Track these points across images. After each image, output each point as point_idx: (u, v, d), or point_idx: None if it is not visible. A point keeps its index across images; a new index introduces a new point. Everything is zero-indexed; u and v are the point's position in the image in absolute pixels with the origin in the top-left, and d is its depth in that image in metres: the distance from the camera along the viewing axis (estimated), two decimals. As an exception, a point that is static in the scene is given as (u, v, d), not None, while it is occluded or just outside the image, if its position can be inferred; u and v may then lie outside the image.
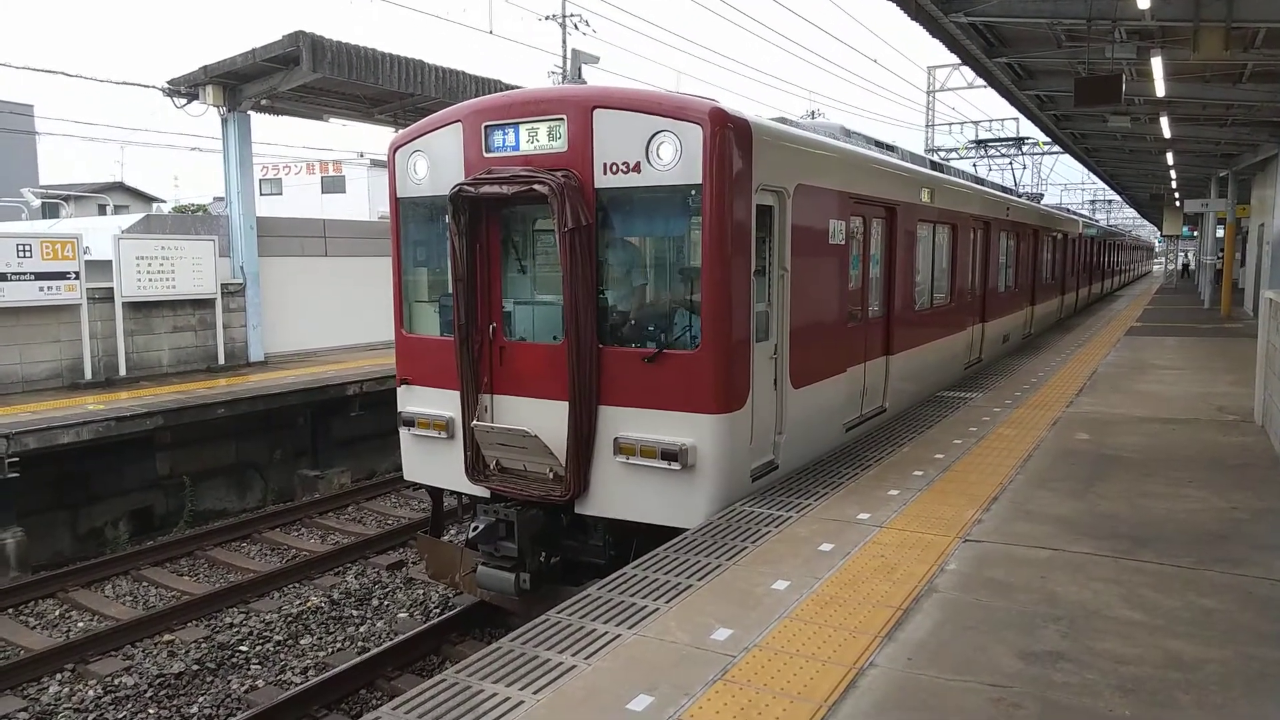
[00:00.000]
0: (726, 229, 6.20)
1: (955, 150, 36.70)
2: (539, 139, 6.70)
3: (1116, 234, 44.74)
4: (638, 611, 4.74)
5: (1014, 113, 21.17)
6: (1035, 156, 38.93)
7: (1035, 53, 14.56)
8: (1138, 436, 8.91)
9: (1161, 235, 65.94)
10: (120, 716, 6.86)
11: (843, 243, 8.13)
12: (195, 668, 7.54)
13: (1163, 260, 75.60)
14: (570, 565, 7.27)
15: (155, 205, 38.84)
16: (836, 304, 8.18)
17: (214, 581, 9.63)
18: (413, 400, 7.68)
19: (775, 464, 7.16)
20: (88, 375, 12.54)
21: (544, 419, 6.79)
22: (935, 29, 12.65)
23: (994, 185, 17.48)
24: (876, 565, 5.38)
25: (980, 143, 35.30)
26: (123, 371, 13.01)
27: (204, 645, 7.95)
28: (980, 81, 17.52)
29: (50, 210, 27.17)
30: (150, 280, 13.36)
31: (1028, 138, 34.26)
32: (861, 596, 4.91)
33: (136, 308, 13.31)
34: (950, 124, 38.67)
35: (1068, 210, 32.88)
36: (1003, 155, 34.58)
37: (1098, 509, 6.52)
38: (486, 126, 6.92)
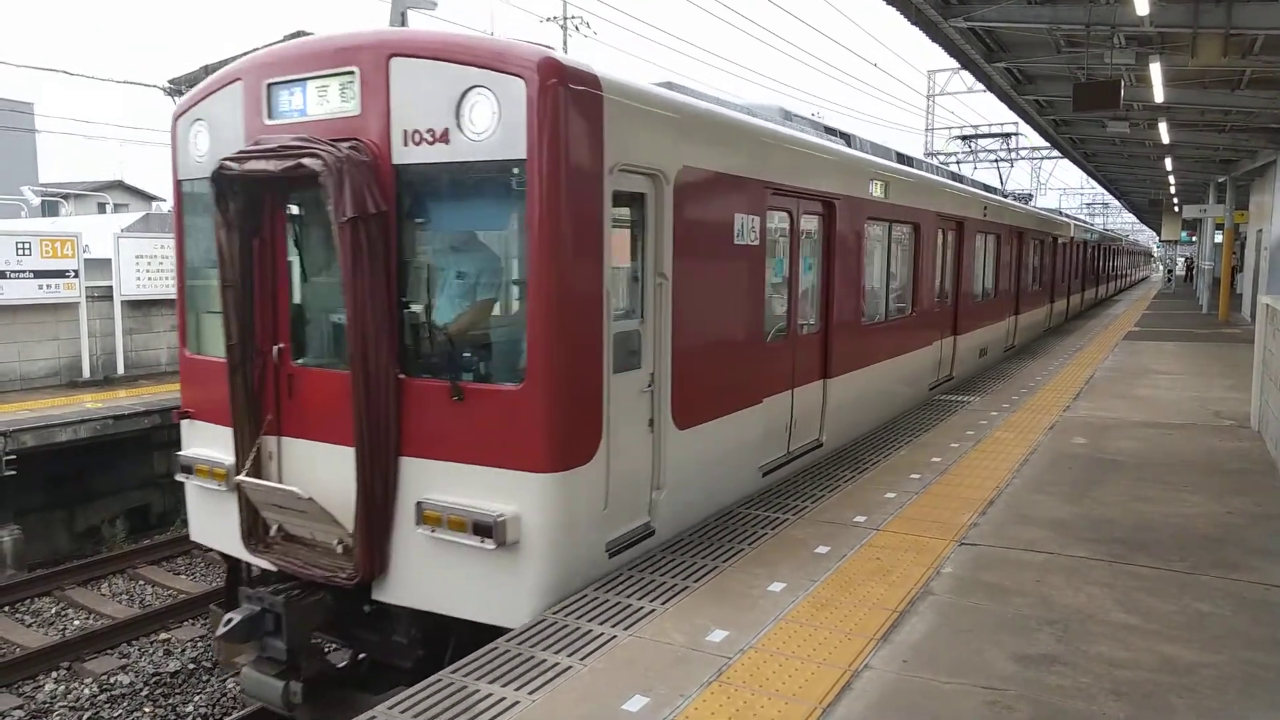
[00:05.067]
0: (562, 222, 4.69)
1: (953, 155, 36.61)
2: (329, 100, 5.17)
3: (1113, 238, 44.61)
4: (634, 612, 4.74)
5: (1013, 117, 21.26)
6: (1035, 161, 38.87)
7: (1034, 58, 14.63)
8: (1134, 441, 8.93)
9: (1160, 240, 66.20)
10: (116, 715, 6.86)
11: (755, 243, 6.63)
12: (191, 666, 7.54)
13: (1160, 265, 75.79)
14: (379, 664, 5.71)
15: (155, 204, 38.80)
16: (746, 319, 6.65)
17: (210, 580, 9.62)
18: (196, 439, 6.11)
19: (651, 528, 5.63)
20: (86, 373, 12.55)
21: (339, 470, 5.13)
22: (935, 34, 12.72)
23: (971, 182, 16.26)
24: (872, 568, 5.39)
25: (966, 138, 34.89)
26: (121, 370, 13.01)
27: (200, 644, 7.95)
28: (980, 86, 17.60)
29: (50, 208, 27.20)
30: (150, 279, 13.36)
31: (1016, 133, 33.89)
32: (857, 599, 4.92)
33: (136, 306, 13.32)
34: (950, 128, 38.65)
35: (1060, 212, 32.36)
36: (990, 153, 34.23)
37: (1094, 513, 6.54)
38: (270, 85, 5.41)
